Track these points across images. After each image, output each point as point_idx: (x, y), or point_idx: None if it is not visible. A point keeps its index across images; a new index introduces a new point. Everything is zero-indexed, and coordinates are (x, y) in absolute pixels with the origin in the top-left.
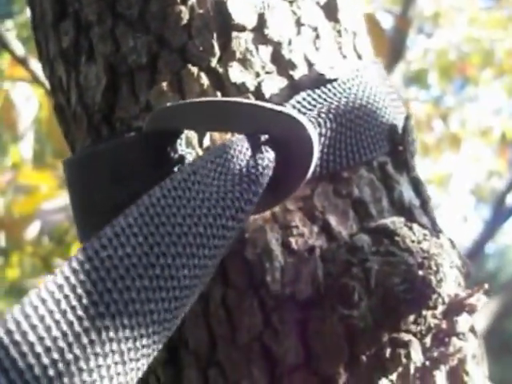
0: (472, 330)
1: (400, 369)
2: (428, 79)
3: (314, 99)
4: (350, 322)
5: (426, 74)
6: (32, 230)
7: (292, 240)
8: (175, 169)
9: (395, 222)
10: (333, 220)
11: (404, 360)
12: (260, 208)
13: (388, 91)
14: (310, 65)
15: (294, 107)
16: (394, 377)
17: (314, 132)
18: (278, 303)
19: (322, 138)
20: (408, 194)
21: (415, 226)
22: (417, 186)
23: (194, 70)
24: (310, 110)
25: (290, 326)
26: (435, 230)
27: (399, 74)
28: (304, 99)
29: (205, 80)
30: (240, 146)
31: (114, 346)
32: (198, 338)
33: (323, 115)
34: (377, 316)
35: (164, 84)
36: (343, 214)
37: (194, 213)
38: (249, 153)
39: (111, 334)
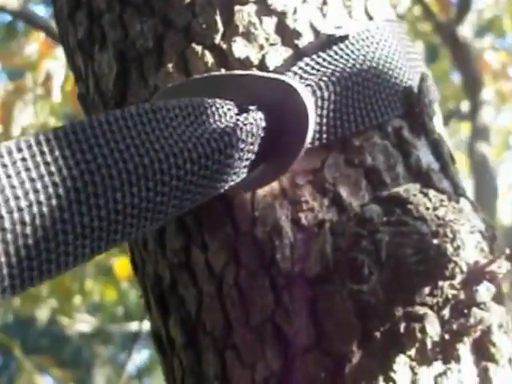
0: (497, 298)
1: (417, 344)
2: (502, 26)
3: (317, 63)
4: (360, 297)
5: (500, 22)
6: None
7: (302, 215)
8: None
9: (409, 189)
10: (344, 191)
11: (419, 335)
12: (263, 180)
13: (405, 51)
14: (317, 32)
15: (295, 74)
16: (412, 352)
17: (308, 97)
18: (288, 281)
19: (326, 102)
20: (426, 158)
21: (431, 192)
22: (437, 149)
23: (198, 48)
24: (312, 74)
25: (300, 305)
26: (457, 194)
27: (469, 25)
28: (307, 65)
29: (209, 58)
30: (222, 104)
31: None
32: (213, 320)
33: (325, 78)
34: (389, 290)
35: (170, 66)
36: (355, 184)
37: (145, 146)
38: (231, 112)
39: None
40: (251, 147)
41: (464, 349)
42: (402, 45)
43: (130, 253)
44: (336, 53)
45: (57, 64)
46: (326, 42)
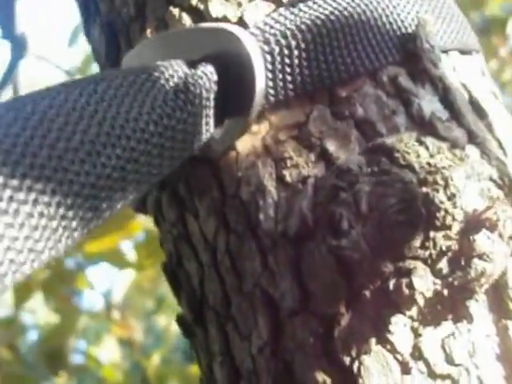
0: None
1: (412, 302)
2: None
3: (292, 13)
4: (340, 252)
5: None
6: None
7: (286, 173)
8: None
9: (402, 137)
10: (331, 145)
11: (406, 290)
12: (231, 138)
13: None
14: None
15: (265, 24)
16: (413, 312)
17: (253, 45)
18: (273, 243)
19: (296, 51)
20: (430, 106)
21: (429, 140)
22: (447, 96)
23: (176, 11)
24: (281, 24)
25: (284, 266)
26: (472, 143)
27: None
28: (280, 14)
29: (187, 20)
30: (172, 63)
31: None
32: (213, 291)
33: (294, 26)
34: (374, 244)
35: (150, 31)
36: (344, 137)
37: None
38: (182, 69)
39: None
40: (208, 103)
41: (477, 306)
42: None
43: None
44: (315, 2)
45: None
46: None
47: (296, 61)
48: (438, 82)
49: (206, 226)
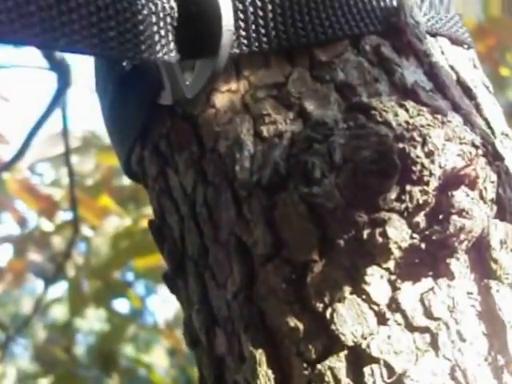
0: (500, 213)
1: (388, 254)
2: None
3: None
4: (312, 200)
5: None
6: None
7: (263, 128)
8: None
9: (382, 99)
10: (310, 105)
11: (380, 239)
12: (200, 82)
13: None
14: None
15: None
16: (390, 265)
17: None
18: (248, 193)
19: (270, 5)
20: (414, 76)
21: (410, 103)
22: (432, 70)
23: None
24: None
25: (258, 215)
26: (456, 112)
27: None
28: None
29: None
30: None
31: None
32: (192, 242)
33: None
34: (347, 194)
35: None
36: (323, 98)
37: None
38: None
39: None
40: (161, 23)
41: (457, 264)
42: None
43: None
44: None
45: None
46: None
47: (270, 15)
48: (422, 56)
49: (185, 179)
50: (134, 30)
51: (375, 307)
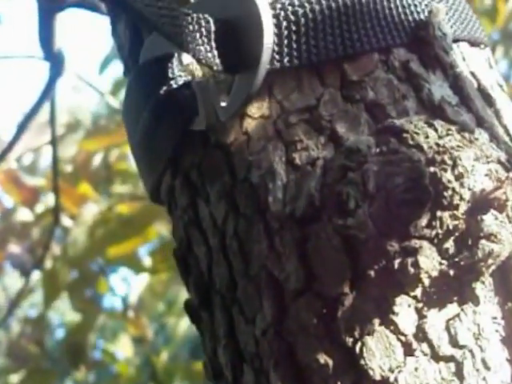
0: None
1: (416, 282)
2: None
3: None
4: (346, 232)
5: None
6: None
7: (296, 155)
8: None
9: (411, 119)
10: (341, 127)
11: (411, 269)
12: (235, 102)
13: None
14: None
15: None
16: (417, 293)
17: (264, 8)
18: (280, 225)
19: (303, 19)
20: (440, 91)
21: (438, 122)
22: (457, 83)
23: None
24: None
25: (290, 248)
26: (480, 126)
27: None
28: None
29: None
30: None
31: None
32: (220, 275)
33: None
34: (380, 223)
35: None
36: (354, 119)
37: None
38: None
39: None
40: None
41: (482, 289)
42: None
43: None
44: None
45: None
46: None
47: (303, 29)
48: (448, 68)
49: (216, 210)
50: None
51: (402, 338)
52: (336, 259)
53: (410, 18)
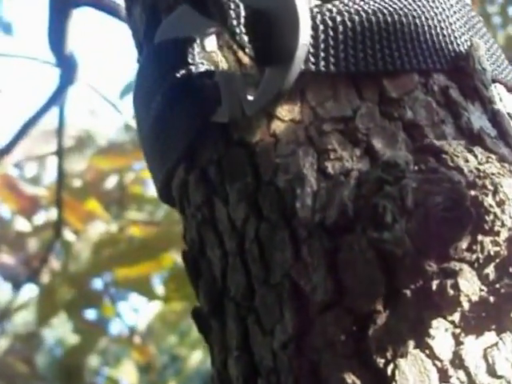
0: None
1: (456, 306)
2: None
3: (342, 2)
4: (381, 246)
5: None
6: None
7: (328, 164)
8: (181, 77)
9: (452, 143)
10: (378, 142)
11: (451, 291)
12: (263, 98)
13: (455, 9)
14: None
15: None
16: (455, 317)
17: (303, 4)
18: (309, 233)
19: (341, 27)
20: (479, 122)
21: (478, 149)
22: (496, 118)
23: None
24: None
25: (318, 258)
26: None
27: None
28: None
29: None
30: None
31: None
32: (236, 282)
33: (339, 6)
34: (418, 241)
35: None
36: (391, 136)
37: None
38: None
39: None
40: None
41: None
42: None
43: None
44: None
45: None
46: None
47: (341, 36)
48: (487, 102)
49: (236, 212)
50: None
51: (438, 363)
52: (369, 273)
53: (450, 47)
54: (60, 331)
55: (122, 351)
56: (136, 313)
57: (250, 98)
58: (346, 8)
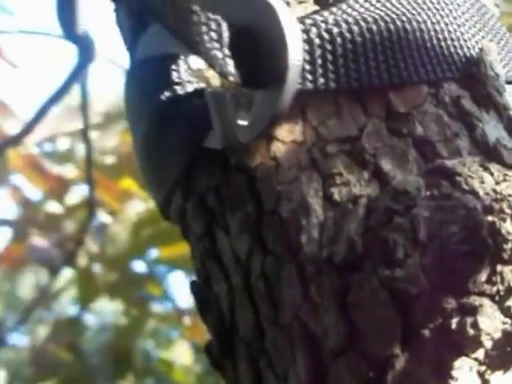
0: None
1: (477, 344)
2: None
3: (339, 9)
4: (394, 285)
5: None
6: None
7: (334, 190)
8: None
9: (465, 161)
10: (387, 164)
11: (471, 331)
12: (259, 122)
13: (463, 9)
14: None
15: (307, 15)
16: (479, 354)
17: (289, 19)
18: (317, 270)
19: (339, 39)
20: (495, 132)
21: (494, 166)
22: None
23: None
24: (326, 15)
25: (329, 298)
26: None
27: None
28: (326, 10)
29: None
30: None
31: None
32: (244, 320)
33: (337, 17)
34: (434, 277)
35: None
36: (401, 156)
37: None
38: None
39: None
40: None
41: None
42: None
43: None
44: (371, 3)
45: None
46: None
47: (339, 49)
48: (502, 109)
49: (239, 244)
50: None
51: None
52: (383, 315)
53: (460, 52)
54: (104, 315)
55: (172, 332)
56: (183, 292)
57: (243, 122)
58: (344, 17)
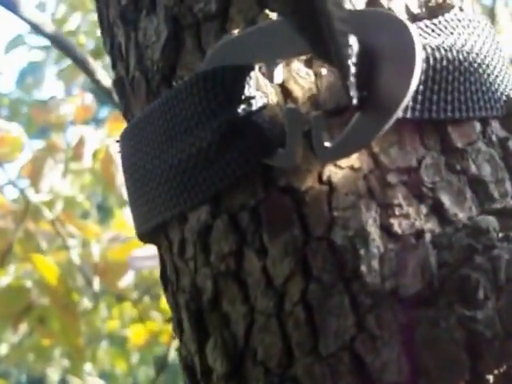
0: None
1: None
2: None
3: (427, 32)
4: (472, 326)
5: None
6: (126, 279)
7: (394, 221)
8: (240, 111)
9: None
10: (446, 199)
11: None
12: (351, 145)
13: (501, 59)
14: (412, 15)
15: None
16: None
17: (418, 42)
18: (376, 301)
19: (434, 72)
20: None
21: None
22: None
23: (273, 16)
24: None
25: (391, 332)
26: None
27: None
28: (425, 27)
29: None
30: None
31: None
32: (268, 345)
33: (437, 45)
34: (508, 322)
35: (236, 32)
36: (459, 193)
37: None
38: None
39: None
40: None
41: None
42: (497, 49)
43: (160, 267)
44: (444, 27)
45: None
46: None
47: (431, 81)
48: None
49: (277, 267)
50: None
51: None
52: (455, 355)
53: (501, 88)
54: None
55: None
56: None
57: (327, 144)
58: (442, 45)
